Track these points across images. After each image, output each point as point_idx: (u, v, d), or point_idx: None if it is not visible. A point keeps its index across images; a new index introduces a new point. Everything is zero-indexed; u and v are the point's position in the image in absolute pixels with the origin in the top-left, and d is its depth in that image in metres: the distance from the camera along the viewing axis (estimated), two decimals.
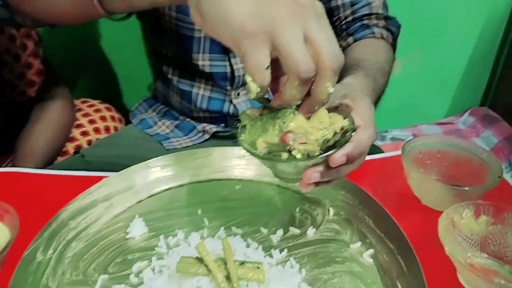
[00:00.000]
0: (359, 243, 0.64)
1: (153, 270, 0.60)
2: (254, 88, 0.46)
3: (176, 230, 0.67)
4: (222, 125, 1.10)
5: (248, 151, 0.51)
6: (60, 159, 1.16)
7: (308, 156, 0.49)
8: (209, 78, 1.01)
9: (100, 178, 0.72)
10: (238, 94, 1.05)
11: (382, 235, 0.63)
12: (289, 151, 0.49)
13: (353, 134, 0.50)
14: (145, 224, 0.67)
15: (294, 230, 0.67)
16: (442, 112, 1.78)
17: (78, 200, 0.67)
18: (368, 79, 0.73)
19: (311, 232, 0.66)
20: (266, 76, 0.46)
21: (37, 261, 0.59)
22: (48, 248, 0.61)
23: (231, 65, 0.99)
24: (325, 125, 0.51)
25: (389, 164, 0.81)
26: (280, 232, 0.66)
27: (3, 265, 0.60)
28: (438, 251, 0.58)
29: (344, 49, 0.95)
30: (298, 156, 0.49)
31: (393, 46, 0.98)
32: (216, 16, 0.47)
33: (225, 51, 0.97)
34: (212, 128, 1.08)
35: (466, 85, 1.74)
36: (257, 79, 0.46)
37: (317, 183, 0.53)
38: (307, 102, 0.49)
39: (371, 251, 0.63)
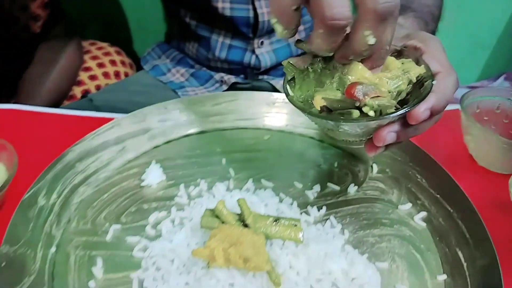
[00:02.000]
0: (409, 205, 0.56)
1: (172, 222, 0.52)
2: (279, 30, 0.39)
3: (198, 179, 0.58)
4: (242, 76, 1.00)
5: (301, 110, 0.41)
6: (66, 103, 1.07)
7: (380, 113, 0.39)
8: (230, 24, 0.90)
9: (111, 120, 0.63)
10: (262, 43, 0.94)
11: (438, 196, 0.54)
12: (358, 108, 0.40)
13: (433, 82, 0.40)
14: (163, 172, 0.59)
15: (333, 187, 0.58)
16: (474, 75, 1.66)
17: (87, 140, 0.58)
18: (419, 21, 0.63)
19: (352, 190, 0.58)
20: (292, 19, 0.38)
21: (38, 206, 0.51)
22: (52, 192, 0.53)
23: (254, 9, 0.87)
24: (396, 73, 0.41)
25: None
26: (317, 187, 0.58)
27: (1, 206, 0.52)
28: (502, 218, 0.50)
29: None
30: (371, 113, 0.39)
31: None
32: None
33: None
34: (230, 78, 0.98)
35: (503, 47, 1.61)
36: (282, 21, 0.39)
37: (386, 146, 0.44)
38: (341, 48, 0.39)
39: (423, 214, 0.54)
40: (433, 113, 0.41)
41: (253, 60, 0.96)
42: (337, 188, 0.58)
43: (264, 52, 0.96)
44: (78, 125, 0.67)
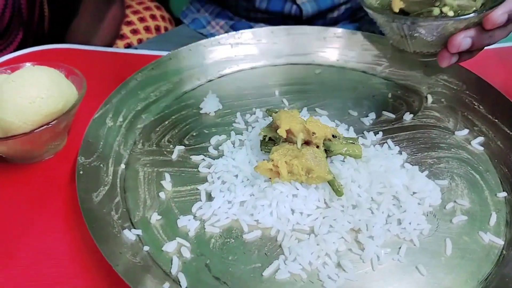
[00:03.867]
0: (466, 131, 0.56)
1: (233, 143, 0.54)
2: None
3: (254, 108, 0.59)
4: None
5: (379, 12, 0.42)
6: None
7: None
8: None
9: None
10: None
11: (496, 120, 0.54)
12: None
13: None
14: (219, 101, 0.60)
15: (388, 115, 0.58)
16: None
17: (147, 70, 0.61)
18: None
19: (408, 118, 0.58)
20: None
21: (107, 126, 0.54)
22: (118, 115, 0.55)
23: None
24: None
25: (492, 56, 0.70)
26: (372, 115, 0.58)
27: (69, 130, 0.55)
28: None
29: None
30: (450, 13, 0.39)
31: None
32: None
33: None
34: None
35: None
36: None
37: (459, 56, 0.44)
38: None
39: (480, 138, 0.54)
40: (510, 18, 0.41)
41: (293, 9, 0.95)
42: (392, 116, 0.58)
43: (306, 1, 0.95)
44: (133, 62, 0.69)
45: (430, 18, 0.40)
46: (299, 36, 0.69)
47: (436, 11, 0.40)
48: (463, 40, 0.41)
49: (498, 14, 0.40)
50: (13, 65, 0.54)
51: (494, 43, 0.44)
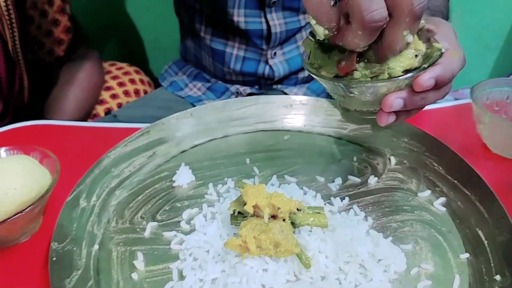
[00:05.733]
0: (428, 192, 0.58)
1: (205, 216, 0.55)
2: (320, 31, 0.41)
3: (225, 178, 0.62)
4: (256, 87, 1.04)
5: (316, 75, 0.45)
6: (90, 121, 1.12)
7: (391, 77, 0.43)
8: (244, 36, 0.95)
9: (139, 129, 0.67)
10: (275, 54, 0.98)
11: (456, 181, 0.57)
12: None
13: (440, 53, 0.44)
14: (192, 173, 0.62)
15: (353, 179, 0.61)
16: (483, 76, 1.68)
17: (120, 147, 0.63)
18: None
19: (372, 181, 0.60)
20: (332, 15, 0.40)
21: (80, 207, 0.55)
22: (92, 194, 0.57)
23: (267, 22, 0.92)
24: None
25: (450, 114, 0.74)
26: (338, 180, 0.60)
27: (44, 211, 0.56)
28: None
29: None
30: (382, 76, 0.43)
31: None
32: None
33: (261, 7, 0.90)
34: (246, 89, 1.03)
35: (510, 48, 1.64)
36: (321, 19, 0.40)
37: (397, 115, 0.47)
38: (378, 50, 0.42)
39: (442, 199, 0.57)
40: (438, 83, 0.44)
41: (266, 70, 1.00)
42: (357, 180, 0.61)
43: (277, 62, 1.00)
44: (109, 136, 0.71)
45: (363, 80, 0.43)
46: (267, 104, 0.72)
47: (357, 74, 0.43)
48: (395, 100, 0.44)
49: (425, 79, 0.43)
50: None
51: (428, 104, 0.47)
